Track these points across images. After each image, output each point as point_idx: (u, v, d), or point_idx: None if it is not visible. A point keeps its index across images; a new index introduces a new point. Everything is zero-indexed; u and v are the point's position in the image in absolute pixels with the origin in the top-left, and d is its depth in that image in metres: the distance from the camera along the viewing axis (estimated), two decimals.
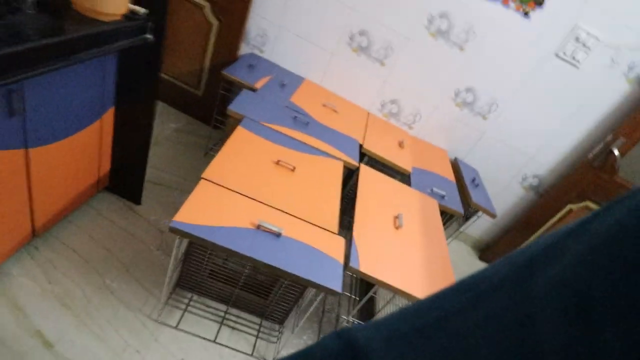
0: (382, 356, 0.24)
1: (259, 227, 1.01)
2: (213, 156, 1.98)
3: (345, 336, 0.27)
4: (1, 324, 1.05)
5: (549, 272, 0.21)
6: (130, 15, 1.00)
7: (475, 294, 0.24)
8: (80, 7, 0.91)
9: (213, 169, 1.11)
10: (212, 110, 2.03)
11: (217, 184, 1.08)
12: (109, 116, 1.29)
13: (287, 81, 1.84)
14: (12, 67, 0.75)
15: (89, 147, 1.27)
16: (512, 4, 1.55)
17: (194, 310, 1.31)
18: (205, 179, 1.07)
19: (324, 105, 1.82)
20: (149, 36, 1.07)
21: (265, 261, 0.94)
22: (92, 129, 1.23)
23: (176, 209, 1.60)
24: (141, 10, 1.02)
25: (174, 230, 0.90)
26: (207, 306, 1.34)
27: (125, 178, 1.50)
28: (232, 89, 1.87)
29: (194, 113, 2.14)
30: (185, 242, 1.11)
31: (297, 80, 1.92)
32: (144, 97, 1.27)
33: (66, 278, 1.22)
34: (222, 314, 1.34)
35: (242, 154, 1.25)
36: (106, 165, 1.43)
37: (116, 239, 1.40)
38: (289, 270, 0.95)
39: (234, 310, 1.36)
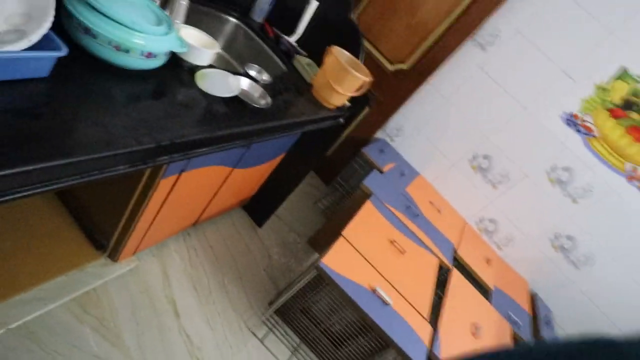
0: None
1: (374, 291, 1.22)
2: (320, 208, 2.30)
3: None
4: (153, 282, 1.36)
5: None
6: (341, 107, 1.37)
7: None
8: (317, 94, 1.29)
9: (349, 231, 1.38)
10: (333, 171, 2.38)
11: (350, 243, 1.34)
12: (278, 159, 1.66)
13: (407, 172, 2.13)
14: (268, 133, 1.11)
15: (256, 176, 1.64)
16: (636, 183, 1.70)
17: (275, 331, 1.52)
18: (344, 237, 1.33)
19: (431, 203, 2.06)
20: (341, 121, 1.43)
21: (373, 319, 1.14)
22: (266, 165, 1.60)
23: (283, 242, 1.91)
24: (348, 104, 1.39)
25: (319, 269, 1.16)
26: (285, 333, 1.54)
27: (260, 204, 1.84)
28: (357, 160, 2.21)
29: (316, 168, 2.51)
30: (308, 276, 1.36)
31: (414, 173, 2.20)
32: (310, 156, 1.63)
33: (201, 266, 1.53)
34: (295, 345, 1.52)
35: (368, 225, 1.51)
36: (253, 191, 1.79)
37: (239, 248, 1.71)
38: (390, 335, 1.14)
39: (304, 347, 1.54)
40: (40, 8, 0.57)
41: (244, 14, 1.45)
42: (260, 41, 1.42)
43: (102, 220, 1.22)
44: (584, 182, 1.83)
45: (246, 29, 1.43)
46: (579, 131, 1.77)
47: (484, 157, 2.04)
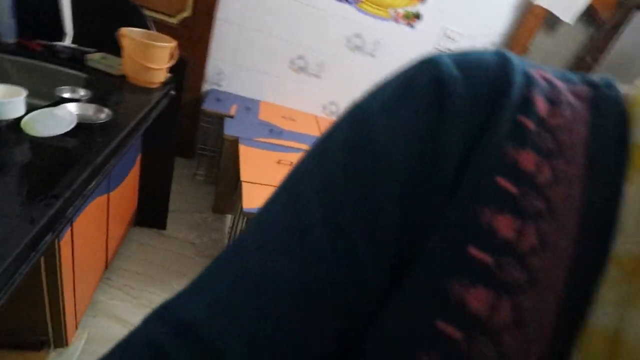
0: (214, 332, 0.20)
1: None
2: (201, 180, 2.33)
3: (169, 318, 0.21)
4: (115, 333, 1.34)
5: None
6: (165, 81, 1.38)
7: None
8: (136, 81, 1.28)
9: (245, 175, 1.54)
10: (188, 142, 2.38)
11: (252, 182, 1.51)
12: (137, 162, 1.61)
13: (250, 105, 2.29)
14: (127, 140, 1.11)
15: (130, 189, 1.58)
16: (401, 21, 2.23)
17: None
18: (245, 181, 1.49)
19: (284, 117, 2.31)
20: (172, 92, 1.46)
21: None
22: (132, 173, 1.55)
23: (196, 225, 1.96)
24: (169, 75, 1.41)
25: (246, 214, 1.33)
26: None
27: (150, 211, 1.80)
28: (203, 120, 2.25)
29: None
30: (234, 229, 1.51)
31: (256, 103, 2.37)
32: (167, 141, 1.63)
33: (145, 292, 1.52)
34: None
35: (254, 161, 1.69)
36: (135, 204, 1.73)
37: (163, 257, 1.71)
38: None
39: None
40: None
41: None
42: (31, 61, 1.25)
43: (25, 323, 1.10)
44: (372, 39, 2.29)
45: (3, 56, 1.22)
46: (349, 2, 2.15)
47: (298, 58, 2.31)
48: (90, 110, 0.96)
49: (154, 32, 1.36)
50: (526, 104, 0.21)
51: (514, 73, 0.21)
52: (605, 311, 0.17)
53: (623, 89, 0.22)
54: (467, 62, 0.22)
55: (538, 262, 0.18)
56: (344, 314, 0.20)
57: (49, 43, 1.31)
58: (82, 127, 0.90)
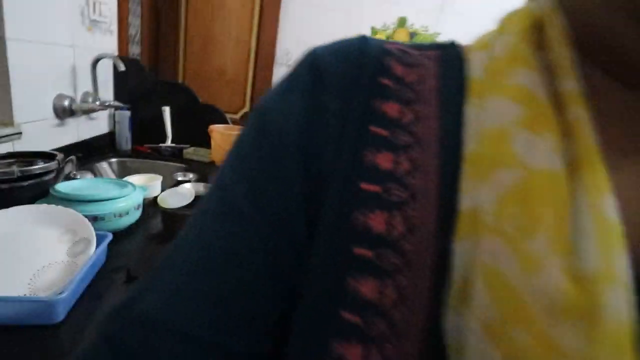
0: (172, 316, 0.21)
1: None
2: None
3: (127, 314, 0.22)
4: None
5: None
6: None
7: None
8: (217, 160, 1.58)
9: None
10: None
11: None
12: None
13: None
14: None
15: None
16: None
17: None
18: None
19: None
20: None
21: None
22: None
23: None
24: None
25: None
26: None
27: None
28: None
29: None
30: None
31: None
32: None
33: None
34: None
35: None
36: None
37: None
38: None
39: None
40: (73, 222, 0.74)
41: (114, 150, 1.60)
42: (144, 160, 1.60)
43: None
44: None
45: (126, 159, 1.59)
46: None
47: None
48: (200, 187, 1.23)
49: (232, 125, 1.70)
50: (384, 69, 0.25)
51: (370, 49, 0.26)
52: (466, 196, 0.21)
53: (463, 45, 0.28)
54: (336, 47, 0.27)
55: (413, 180, 0.22)
56: (291, 276, 0.23)
57: (154, 146, 1.68)
58: (197, 200, 1.15)
